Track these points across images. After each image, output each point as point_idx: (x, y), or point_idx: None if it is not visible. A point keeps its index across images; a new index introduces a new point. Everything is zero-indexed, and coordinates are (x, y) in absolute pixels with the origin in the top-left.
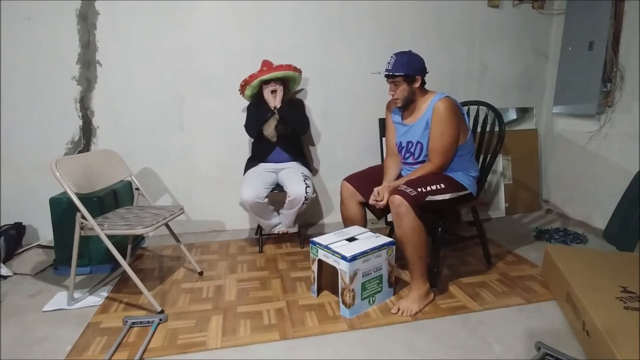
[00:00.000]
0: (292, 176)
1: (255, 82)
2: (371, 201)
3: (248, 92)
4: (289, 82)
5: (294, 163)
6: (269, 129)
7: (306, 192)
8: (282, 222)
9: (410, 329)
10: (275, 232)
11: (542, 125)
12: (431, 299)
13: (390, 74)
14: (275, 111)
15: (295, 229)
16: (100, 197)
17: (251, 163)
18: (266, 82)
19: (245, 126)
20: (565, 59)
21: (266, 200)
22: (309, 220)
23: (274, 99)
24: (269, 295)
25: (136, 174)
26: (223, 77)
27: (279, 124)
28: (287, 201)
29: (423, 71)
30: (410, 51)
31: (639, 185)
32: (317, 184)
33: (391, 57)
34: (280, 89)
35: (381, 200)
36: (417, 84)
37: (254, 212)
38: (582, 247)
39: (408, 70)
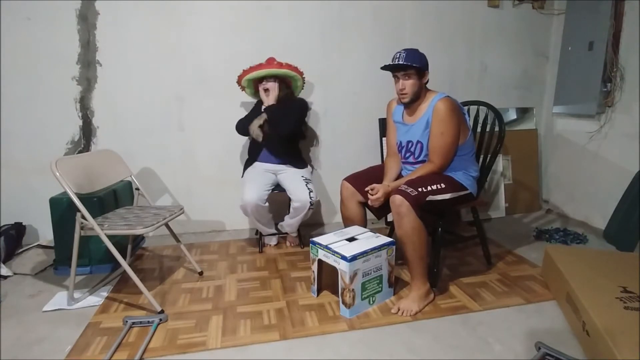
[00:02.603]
0: (293, 181)
1: (245, 80)
2: (367, 188)
3: (247, 90)
4: (290, 81)
5: (290, 166)
6: (253, 128)
7: (310, 197)
8: (284, 230)
9: (410, 329)
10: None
11: (542, 125)
12: (431, 299)
13: (406, 64)
14: (263, 110)
15: (295, 233)
16: (100, 197)
17: (247, 163)
18: (259, 79)
19: (236, 123)
20: (565, 59)
21: (267, 204)
22: (309, 220)
23: (267, 97)
24: (269, 295)
25: (136, 174)
26: (223, 77)
27: (264, 124)
28: (291, 209)
29: (428, 68)
30: (416, 49)
31: (639, 185)
32: (317, 184)
33: (399, 52)
34: (274, 87)
35: (375, 194)
36: (425, 80)
37: (254, 216)
38: (582, 247)
39: (420, 64)
